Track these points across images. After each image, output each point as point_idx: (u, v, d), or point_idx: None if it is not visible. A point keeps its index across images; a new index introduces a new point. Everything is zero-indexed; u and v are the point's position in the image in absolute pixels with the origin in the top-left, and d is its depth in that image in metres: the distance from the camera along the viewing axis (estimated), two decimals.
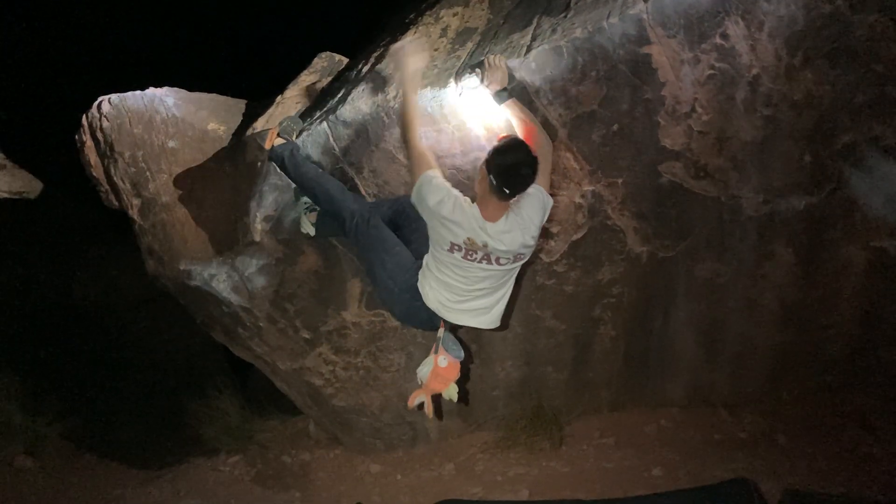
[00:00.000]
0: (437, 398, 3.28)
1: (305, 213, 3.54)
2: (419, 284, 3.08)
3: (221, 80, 4.92)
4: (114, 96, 4.09)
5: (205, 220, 3.97)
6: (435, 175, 2.91)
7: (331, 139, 3.47)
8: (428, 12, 3.76)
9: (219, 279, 3.84)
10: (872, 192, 3.38)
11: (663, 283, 3.83)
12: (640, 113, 3.21)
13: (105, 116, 4.04)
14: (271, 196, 3.64)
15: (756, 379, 4.13)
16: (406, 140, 3.04)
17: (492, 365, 4.14)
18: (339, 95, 3.60)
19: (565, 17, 3.24)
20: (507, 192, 2.81)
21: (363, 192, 3.58)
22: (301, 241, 3.70)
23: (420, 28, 3.71)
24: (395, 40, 3.74)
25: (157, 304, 6.25)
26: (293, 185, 3.58)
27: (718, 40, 3.04)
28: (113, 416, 5.91)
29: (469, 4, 3.70)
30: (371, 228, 3.18)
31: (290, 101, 4.04)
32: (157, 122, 4.07)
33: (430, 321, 3.18)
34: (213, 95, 4.45)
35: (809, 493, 3.35)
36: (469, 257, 2.93)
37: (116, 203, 4.21)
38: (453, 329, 3.24)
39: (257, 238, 3.71)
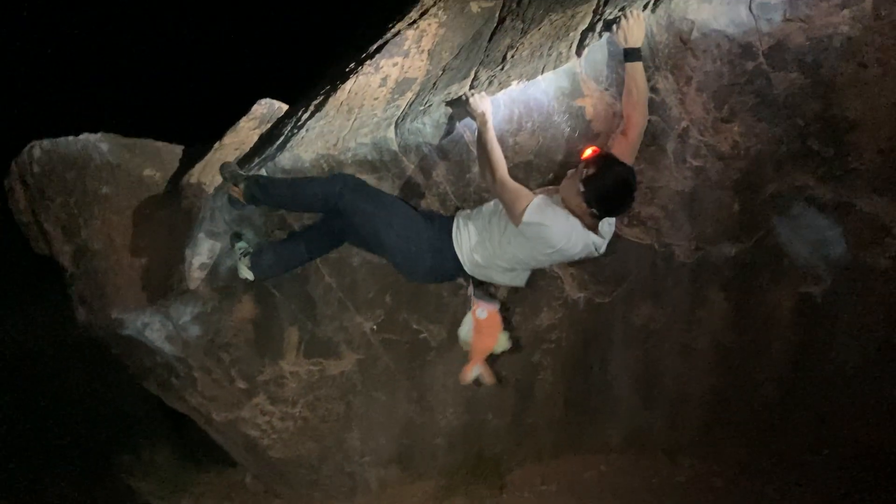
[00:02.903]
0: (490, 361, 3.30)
1: (241, 259, 3.49)
2: (457, 243, 3.12)
3: (159, 125, 4.86)
4: (45, 141, 4.01)
5: (138, 267, 3.88)
6: (541, 201, 2.90)
7: None
8: (368, 62, 3.79)
9: (152, 328, 3.75)
10: (798, 240, 3.49)
11: (601, 329, 3.88)
12: (575, 163, 3.27)
13: (36, 162, 3.96)
14: (207, 243, 3.59)
15: (692, 423, 4.19)
16: (496, 178, 2.92)
17: (433, 412, 4.11)
18: (279, 142, 3.59)
19: (502, 69, 3.31)
20: (608, 216, 2.94)
21: None
22: (237, 288, 3.65)
23: (360, 77, 3.73)
24: (335, 88, 3.76)
25: (88, 353, 6.04)
26: (230, 231, 3.54)
27: (649, 94, 3.14)
28: (39, 471, 5.66)
29: (409, 55, 3.74)
30: (360, 194, 3.16)
31: (229, 147, 4.01)
32: (91, 167, 3.99)
33: (454, 274, 3.22)
34: (150, 141, 4.39)
35: None
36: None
37: (46, 249, 4.10)
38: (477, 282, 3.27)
39: (192, 286, 3.64)
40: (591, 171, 2.82)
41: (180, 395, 4.02)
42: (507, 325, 3.53)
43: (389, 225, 3.11)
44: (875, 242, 3.42)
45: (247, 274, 3.46)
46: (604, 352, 3.97)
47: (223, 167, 3.46)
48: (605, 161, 2.85)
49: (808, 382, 3.90)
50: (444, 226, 3.18)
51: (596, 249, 3.03)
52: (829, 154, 3.23)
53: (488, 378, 3.29)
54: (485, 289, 3.24)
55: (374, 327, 3.79)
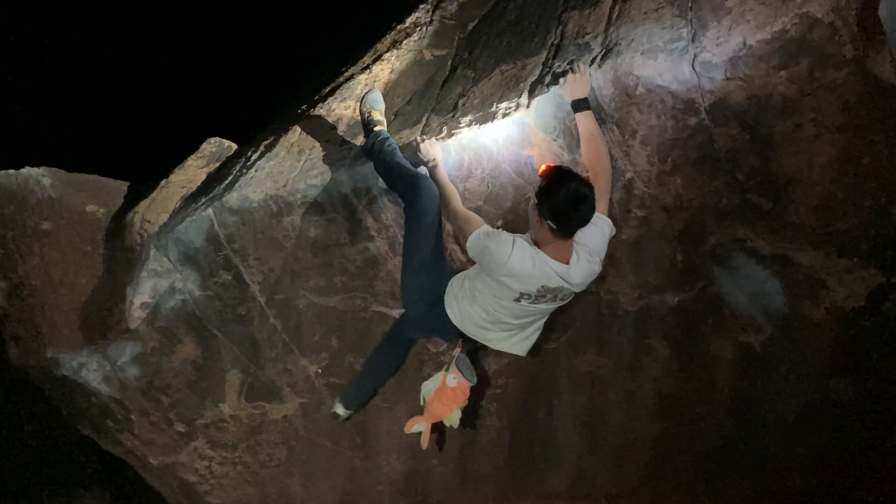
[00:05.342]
0: (437, 426, 3.25)
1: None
2: (448, 303, 3.10)
3: (104, 161, 4.79)
4: None
5: (77, 305, 3.79)
6: (490, 228, 2.90)
7: (215, 226, 3.42)
8: (320, 104, 3.81)
9: (89, 368, 3.65)
10: (738, 291, 3.57)
11: (547, 375, 3.89)
12: (523, 210, 3.32)
13: None
14: (149, 282, 3.52)
15: (636, 470, 4.20)
16: (449, 211, 3.06)
17: (377, 458, 4.05)
18: (227, 182, 3.57)
19: (453, 116, 3.36)
20: (570, 231, 2.78)
21: (248, 280, 3.52)
22: (178, 328, 3.58)
23: (312, 119, 3.75)
24: (286, 129, 3.76)
25: (19, 392, 5.84)
26: (177, 273, 3.50)
27: None
28: None
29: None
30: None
31: (176, 185, 3.97)
32: (32, 202, 3.91)
33: (445, 332, 3.19)
34: (94, 177, 4.31)
35: None
36: (537, 301, 2.93)
37: None
38: (472, 350, 3.20)
39: (132, 325, 3.57)
40: (544, 182, 2.76)
41: (116, 437, 3.90)
42: (471, 401, 3.45)
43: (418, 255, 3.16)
44: (811, 294, 3.52)
45: (341, 411, 3.67)
46: (549, 398, 3.97)
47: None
48: (557, 173, 2.79)
49: (747, 431, 3.95)
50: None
51: (563, 279, 2.84)
52: (768, 208, 3.33)
53: (424, 442, 3.25)
54: (471, 360, 3.21)
55: (319, 371, 3.75)
